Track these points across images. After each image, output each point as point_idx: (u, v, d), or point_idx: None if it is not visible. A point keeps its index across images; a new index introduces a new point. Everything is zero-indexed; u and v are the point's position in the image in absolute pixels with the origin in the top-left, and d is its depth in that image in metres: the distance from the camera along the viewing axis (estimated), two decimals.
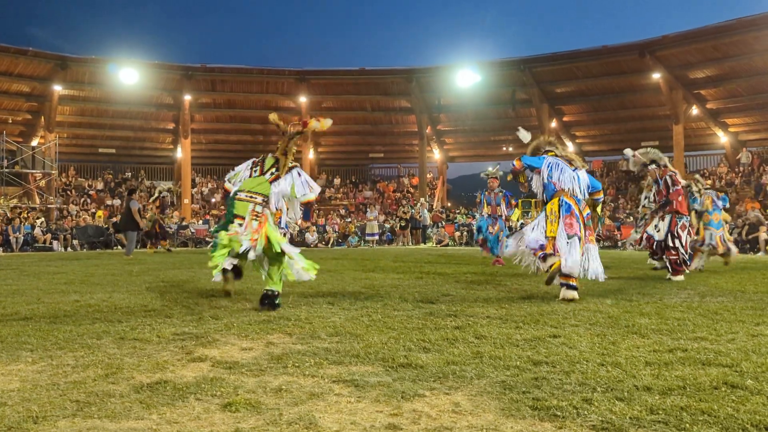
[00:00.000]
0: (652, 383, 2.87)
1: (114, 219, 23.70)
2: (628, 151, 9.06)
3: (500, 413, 2.50)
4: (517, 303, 5.72)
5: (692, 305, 5.55)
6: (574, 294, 5.80)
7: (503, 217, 11.48)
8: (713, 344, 3.78)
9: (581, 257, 5.91)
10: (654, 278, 8.59)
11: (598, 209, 6.61)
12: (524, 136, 7.04)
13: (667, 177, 8.48)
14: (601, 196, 6.48)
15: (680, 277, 7.99)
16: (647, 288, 7.19)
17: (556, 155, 6.51)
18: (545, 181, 6.23)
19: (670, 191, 8.37)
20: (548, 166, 6.26)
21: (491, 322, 4.61)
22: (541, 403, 2.58)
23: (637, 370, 3.14)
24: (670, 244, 8.17)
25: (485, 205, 11.70)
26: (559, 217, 5.99)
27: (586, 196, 6.31)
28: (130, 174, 31.56)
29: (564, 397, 2.68)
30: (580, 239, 5.94)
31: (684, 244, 8.20)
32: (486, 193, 11.78)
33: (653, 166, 8.62)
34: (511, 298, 6.17)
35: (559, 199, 6.09)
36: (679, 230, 8.20)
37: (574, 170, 6.35)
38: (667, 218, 8.31)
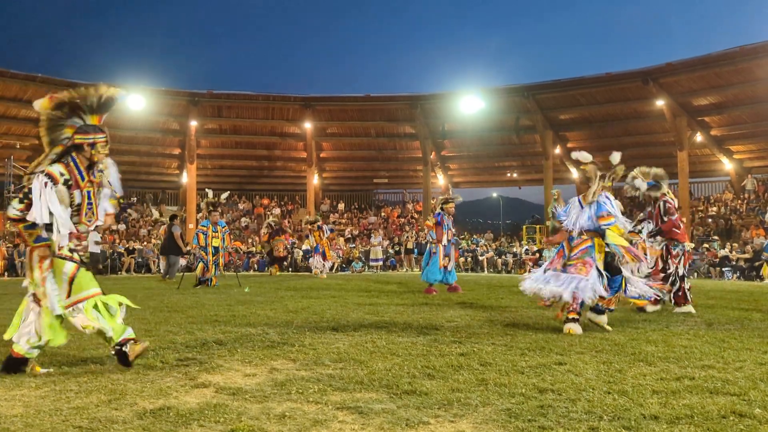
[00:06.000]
0: (659, 412, 2.84)
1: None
2: (639, 183, 8.21)
3: None
4: (522, 330, 5.69)
5: (699, 333, 5.51)
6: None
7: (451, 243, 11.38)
8: (721, 372, 3.74)
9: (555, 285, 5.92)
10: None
11: (606, 238, 6.03)
12: (585, 156, 6.70)
13: (661, 203, 7.89)
14: (603, 222, 6.07)
15: (687, 308, 7.49)
16: (653, 316, 7.14)
17: (604, 186, 6.48)
18: None
19: (664, 219, 7.78)
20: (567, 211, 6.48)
21: (496, 349, 4.59)
22: None
23: (644, 398, 3.11)
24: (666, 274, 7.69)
25: (442, 230, 11.32)
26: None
27: (585, 228, 6.13)
28: (135, 199, 31.71)
29: (570, 425, 2.66)
30: (556, 270, 6.05)
31: (679, 274, 7.68)
32: (446, 217, 11.47)
33: (651, 191, 7.99)
34: (516, 324, 6.13)
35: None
36: (671, 259, 7.72)
37: (581, 208, 6.32)
38: (662, 247, 7.85)
